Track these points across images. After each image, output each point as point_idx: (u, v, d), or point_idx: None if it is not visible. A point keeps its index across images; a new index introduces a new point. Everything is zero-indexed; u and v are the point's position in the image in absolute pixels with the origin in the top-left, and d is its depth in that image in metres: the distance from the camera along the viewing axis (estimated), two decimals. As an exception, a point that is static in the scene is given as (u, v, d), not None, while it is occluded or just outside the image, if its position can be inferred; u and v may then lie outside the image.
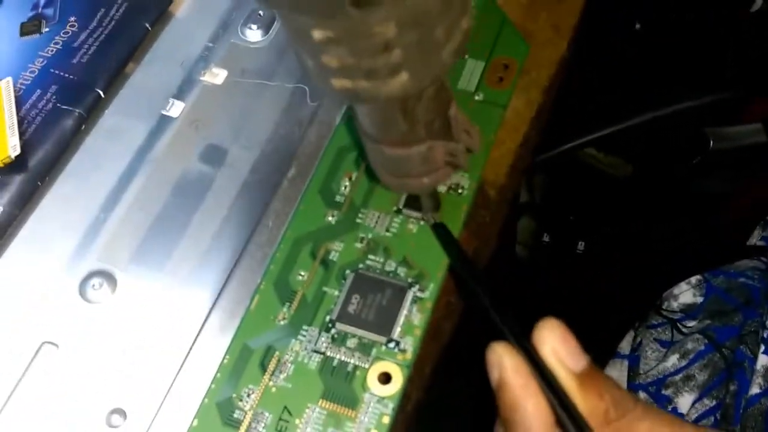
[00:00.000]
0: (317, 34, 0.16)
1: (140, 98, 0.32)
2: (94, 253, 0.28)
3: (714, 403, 0.42)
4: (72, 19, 0.33)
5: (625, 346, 0.48)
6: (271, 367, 0.24)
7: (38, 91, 0.31)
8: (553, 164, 0.54)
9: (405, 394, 0.24)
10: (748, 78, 0.49)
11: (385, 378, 0.24)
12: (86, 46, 0.32)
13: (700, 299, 0.47)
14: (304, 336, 0.25)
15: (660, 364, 0.45)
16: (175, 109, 0.32)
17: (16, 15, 0.34)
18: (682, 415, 0.42)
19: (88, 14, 0.33)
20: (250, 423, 0.24)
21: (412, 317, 0.25)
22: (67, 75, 0.32)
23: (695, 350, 0.44)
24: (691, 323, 0.46)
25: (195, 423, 0.24)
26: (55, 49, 0.33)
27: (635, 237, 0.60)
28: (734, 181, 0.55)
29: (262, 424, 0.24)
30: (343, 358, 0.25)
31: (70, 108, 0.31)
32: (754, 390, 0.39)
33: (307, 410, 0.24)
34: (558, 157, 0.47)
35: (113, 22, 0.33)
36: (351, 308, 0.25)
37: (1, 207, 0.28)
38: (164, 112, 0.31)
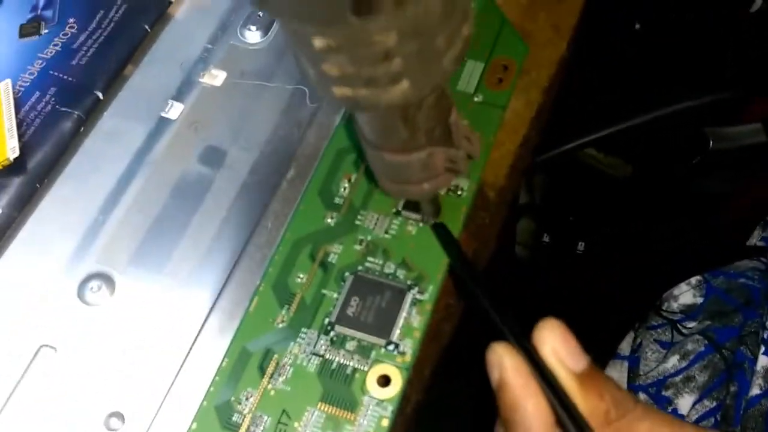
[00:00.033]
0: (318, 43, 0.16)
1: (139, 100, 0.32)
2: (93, 256, 0.28)
3: (714, 404, 0.42)
4: (71, 20, 0.33)
5: (625, 347, 0.48)
6: (269, 370, 0.24)
7: (37, 93, 0.31)
8: (553, 165, 0.54)
9: (404, 397, 0.24)
10: (748, 78, 0.49)
11: (385, 381, 0.24)
12: (85, 47, 0.32)
13: (700, 300, 0.47)
14: (303, 339, 0.25)
15: (660, 365, 0.44)
16: (174, 110, 0.32)
17: (15, 16, 0.34)
18: (682, 416, 0.42)
19: (87, 16, 0.33)
20: (248, 426, 0.24)
21: (411, 319, 0.25)
22: (66, 77, 0.32)
23: (695, 351, 0.44)
24: (691, 324, 0.46)
25: (193, 426, 0.24)
26: (54, 51, 0.32)
27: (635, 237, 0.60)
28: (734, 181, 0.55)
29: (261, 428, 0.24)
30: (342, 360, 0.24)
31: (69, 110, 0.31)
32: (755, 391, 0.39)
33: (306, 413, 0.24)
34: (558, 158, 0.47)
35: (112, 24, 0.33)
36: (350, 310, 0.25)
37: (0, 209, 0.28)
38: (163, 114, 0.31)
